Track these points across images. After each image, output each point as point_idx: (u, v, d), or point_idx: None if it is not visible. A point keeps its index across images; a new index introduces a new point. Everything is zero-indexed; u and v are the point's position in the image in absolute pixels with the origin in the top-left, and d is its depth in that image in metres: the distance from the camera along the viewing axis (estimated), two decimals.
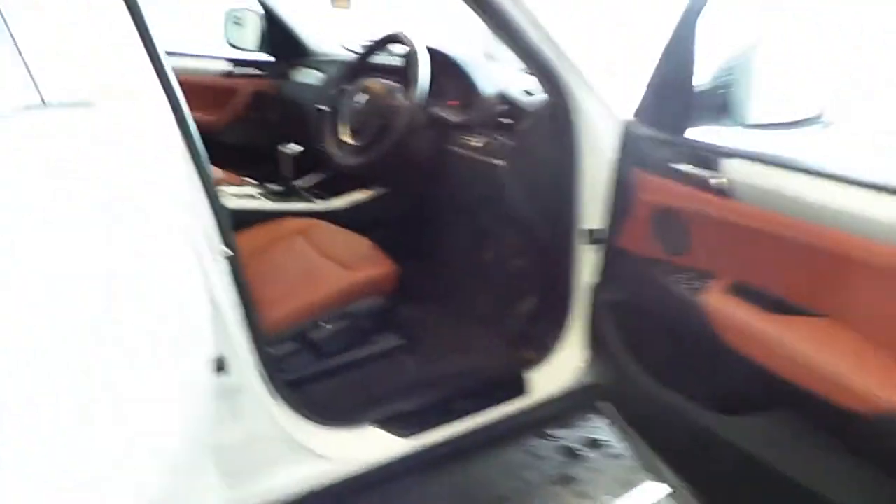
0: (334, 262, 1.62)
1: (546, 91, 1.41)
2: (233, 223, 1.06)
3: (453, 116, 1.74)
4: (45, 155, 0.64)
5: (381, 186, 2.11)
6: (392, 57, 2.03)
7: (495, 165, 1.57)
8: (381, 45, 1.82)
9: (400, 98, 1.68)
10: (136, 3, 0.85)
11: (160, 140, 0.89)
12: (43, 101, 0.67)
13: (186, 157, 0.94)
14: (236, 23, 2.68)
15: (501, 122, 1.65)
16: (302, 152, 2.07)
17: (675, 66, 1.19)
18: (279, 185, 2.09)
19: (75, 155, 0.68)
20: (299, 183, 2.17)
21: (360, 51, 1.98)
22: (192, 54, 2.63)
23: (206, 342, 0.93)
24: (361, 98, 1.73)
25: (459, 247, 1.97)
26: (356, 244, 1.76)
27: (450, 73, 1.83)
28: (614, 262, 1.37)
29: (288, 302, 1.47)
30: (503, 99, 1.68)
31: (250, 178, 2.32)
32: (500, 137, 1.61)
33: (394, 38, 1.78)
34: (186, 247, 0.88)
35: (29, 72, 0.66)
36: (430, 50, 1.69)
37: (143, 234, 0.77)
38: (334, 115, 1.85)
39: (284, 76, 2.68)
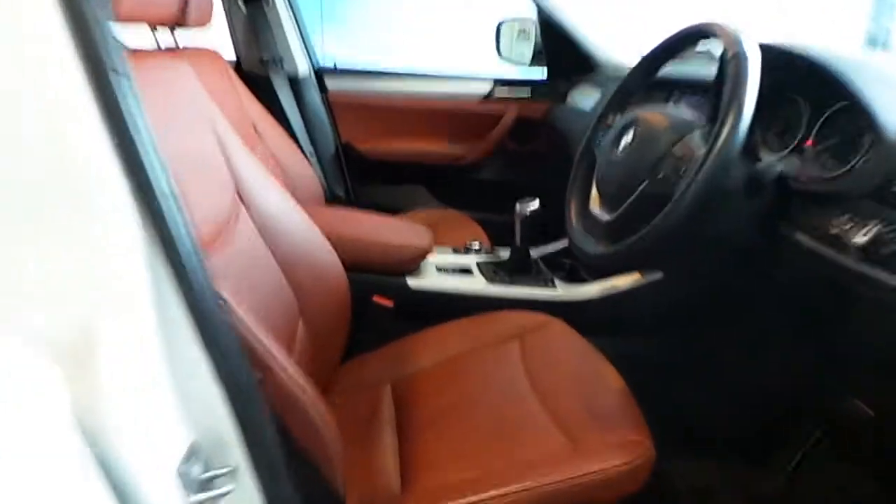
0: (549, 416, 0.94)
1: None
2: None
3: (811, 176, 0.89)
4: None
5: (656, 269, 1.32)
6: (692, 64, 1.23)
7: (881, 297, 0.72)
8: (674, 47, 1.04)
9: (694, 141, 0.89)
10: None
11: None
12: None
13: None
14: (520, 32, 2.15)
15: None
16: (544, 209, 1.42)
17: None
18: (512, 254, 1.46)
19: None
20: (535, 253, 1.51)
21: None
22: (446, 75, 2.17)
23: None
24: (627, 136, 0.99)
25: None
26: (597, 373, 1.05)
27: (807, 86, 0.96)
28: None
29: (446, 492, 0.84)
30: None
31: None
32: None
33: (698, 33, 0.99)
34: None
35: None
36: (765, 48, 0.86)
37: None
38: (587, 165, 1.15)
39: (559, 97, 2.06)
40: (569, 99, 2.00)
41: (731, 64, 0.83)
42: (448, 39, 2.70)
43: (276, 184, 1.09)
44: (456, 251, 1.51)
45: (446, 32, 2.71)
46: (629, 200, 0.93)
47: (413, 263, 1.35)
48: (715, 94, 0.99)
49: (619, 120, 1.10)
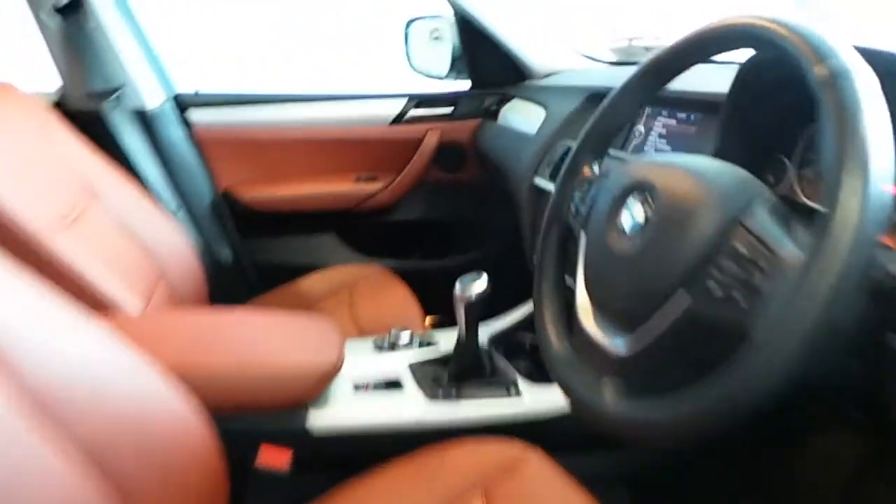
0: None
1: None
2: None
3: None
4: None
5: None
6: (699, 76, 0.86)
7: None
8: (686, 59, 0.65)
9: (761, 223, 0.50)
10: None
11: None
12: None
13: None
14: (434, 37, 1.75)
15: None
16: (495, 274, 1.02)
17: None
18: (456, 351, 1.06)
19: None
20: (485, 336, 1.12)
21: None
22: (346, 96, 1.74)
23: None
24: (635, 211, 0.59)
25: None
26: None
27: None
28: None
29: None
30: None
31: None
32: None
33: (740, 37, 0.59)
34: None
35: None
36: (871, 53, 0.49)
37: None
38: (559, 243, 0.76)
39: (488, 114, 1.68)
40: (500, 117, 1.62)
41: (828, 91, 0.46)
42: (347, 51, 2.22)
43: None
44: (379, 347, 1.09)
45: (344, 42, 2.23)
46: (660, 327, 0.54)
47: (316, 390, 0.92)
48: (781, 140, 0.64)
49: (606, 173, 0.71)
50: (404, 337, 1.09)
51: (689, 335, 0.52)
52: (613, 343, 0.59)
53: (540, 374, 1.07)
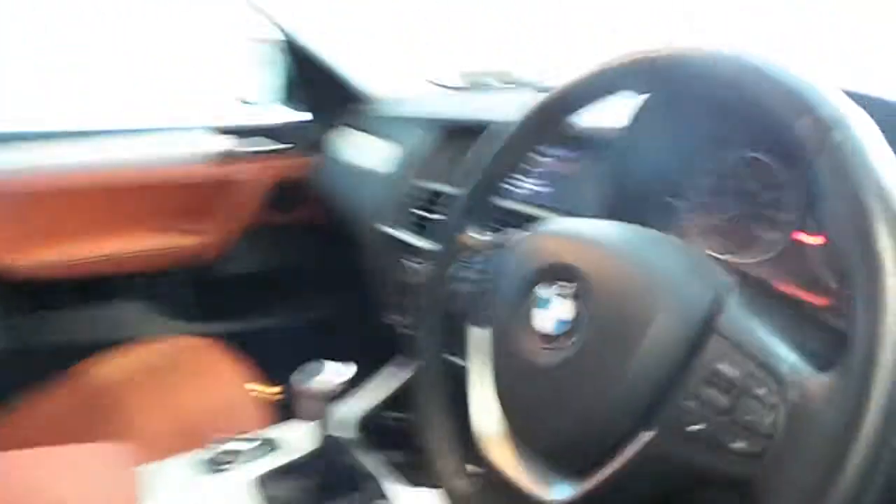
0: None
1: None
2: None
3: None
4: None
5: None
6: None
7: None
8: (595, 92, 0.50)
9: (741, 330, 0.35)
10: None
11: None
12: None
13: None
14: (264, 63, 1.52)
15: None
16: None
17: None
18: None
19: None
20: (339, 425, 0.91)
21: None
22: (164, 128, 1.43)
23: None
24: (555, 305, 0.43)
25: None
26: None
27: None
28: None
29: None
30: None
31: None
32: None
33: (702, 70, 0.43)
34: None
35: None
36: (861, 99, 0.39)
37: None
38: (436, 351, 0.59)
39: (329, 148, 1.48)
40: (340, 151, 1.42)
41: (825, 158, 0.33)
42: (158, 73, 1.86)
43: None
44: (208, 464, 0.83)
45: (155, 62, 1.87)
46: (605, 469, 0.38)
47: None
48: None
49: (505, 244, 0.55)
50: (242, 444, 0.84)
51: (657, 484, 0.37)
52: (545, 490, 0.42)
53: (415, 466, 0.89)
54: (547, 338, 0.43)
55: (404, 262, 0.93)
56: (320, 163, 1.48)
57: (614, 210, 0.71)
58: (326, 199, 1.45)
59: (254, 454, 0.84)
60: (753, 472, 0.32)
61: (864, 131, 0.33)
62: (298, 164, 1.51)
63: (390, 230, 0.99)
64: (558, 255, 0.44)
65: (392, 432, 0.97)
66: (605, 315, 0.39)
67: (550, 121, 0.53)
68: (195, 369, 1.15)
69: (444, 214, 0.84)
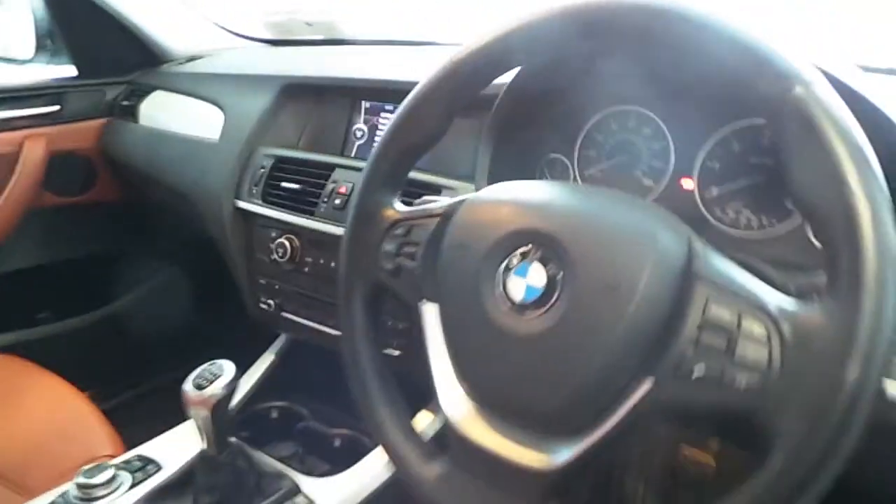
0: None
1: None
2: None
3: None
4: None
5: None
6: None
7: None
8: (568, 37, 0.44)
9: (769, 305, 0.36)
10: None
11: None
12: None
13: None
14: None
15: None
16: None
17: None
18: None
19: None
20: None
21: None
22: None
23: None
24: (530, 273, 0.42)
25: None
26: None
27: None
28: None
29: None
30: None
31: None
32: None
33: (642, 24, 0.42)
34: None
35: None
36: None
37: None
38: (370, 310, 0.54)
39: (118, 112, 1.26)
40: (140, 115, 1.22)
41: (791, 120, 0.37)
42: None
43: None
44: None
45: None
46: (607, 423, 0.40)
47: None
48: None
49: (448, 214, 0.51)
50: (102, 476, 0.71)
51: (660, 429, 0.40)
52: (541, 457, 0.43)
53: (319, 460, 0.84)
54: (521, 306, 0.43)
55: (276, 239, 0.84)
56: (112, 129, 1.26)
57: (502, 170, 0.72)
58: (128, 171, 1.24)
59: (134, 477, 0.72)
60: (756, 405, 0.36)
61: (822, 84, 0.37)
62: (80, 133, 1.26)
63: (248, 205, 0.88)
64: (520, 220, 0.44)
65: (271, 424, 0.90)
66: (588, 276, 0.40)
67: (473, 80, 0.51)
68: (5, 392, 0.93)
69: (338, 184, 0.77)
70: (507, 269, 0.44)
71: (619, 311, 0.39)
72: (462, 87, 0.50)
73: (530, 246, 0.43)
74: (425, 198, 0.57)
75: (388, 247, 0.52)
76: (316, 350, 0.90)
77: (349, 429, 0.89)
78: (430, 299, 0.49)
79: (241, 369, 0.75)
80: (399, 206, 0.54)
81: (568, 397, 0.41)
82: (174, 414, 0.72)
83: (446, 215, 0.50)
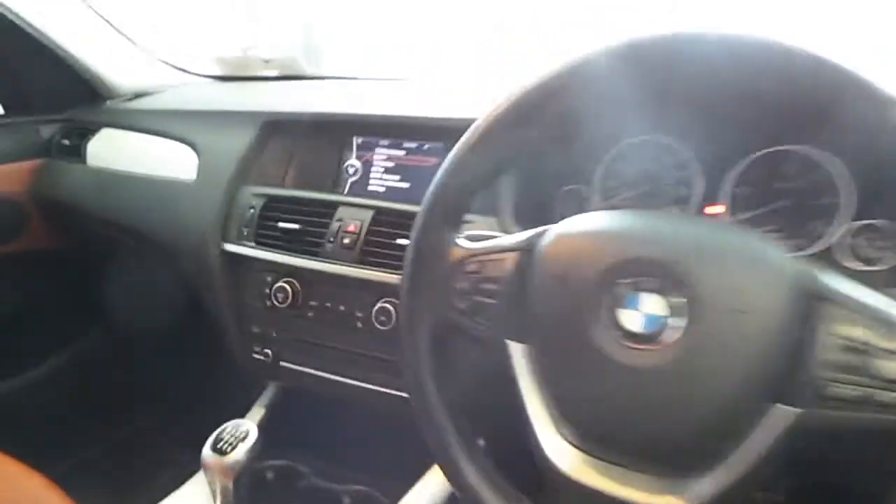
0: None
1: None
2: None
3: None
4: None
5: None
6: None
7: None
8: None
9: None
10: None
11: None
12: None
13: None
14: None
15: None
16: None
17: None
18: None
19: None
20: None
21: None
22: None
23: None
24: (644, 303, 0.40)
25: None
26: None
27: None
28: None
29: None
30: None
31: None
32: None
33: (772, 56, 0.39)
34: None
35: None
36: None
37: None
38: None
39: (56, 151, 1.15)
40: (88, 156, 1.11)
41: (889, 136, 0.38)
42: None
43: None
44: None
45: None
46: (747, 451, 0.39)
47: None
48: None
49: (529, 248, 0.48)
50: None
51: (804, 453, 0.39)
52: (677, 499, 0.41)
53: None
54: (639, 337, 0.41)
55: (273, 283, 0.78)
56: (50, 171, 1.14)
57: (522, 203, 0.71)
58: (69, 218, 1.12)
59: None
60: None
61: None
62: (8, 175, 1.13)
63: (238, 248, 0.82)
64: (630, 251, 0.42)
65: (276, 484, 0.82)
66: (717, 302, 0.39)
67: (537, 111, 0.50)
68: None
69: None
70: (617, 300, 0.42)
71: (751, 335, 0.38)
72: (522, 122, 0.49)
73: (642, 276, 0.42)
74: (475, 233, 0.54)
75: (462, 284, 0.49)
76: (312, 401, 0.84)
77: (359, 484, 0.83)
78: (515, 339, 0.47)
79: (210, 425, 0.68)
80: (464, 243, 0.51)
81: (699, 428, 0.40)
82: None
83: (527, 249, 0.48)
